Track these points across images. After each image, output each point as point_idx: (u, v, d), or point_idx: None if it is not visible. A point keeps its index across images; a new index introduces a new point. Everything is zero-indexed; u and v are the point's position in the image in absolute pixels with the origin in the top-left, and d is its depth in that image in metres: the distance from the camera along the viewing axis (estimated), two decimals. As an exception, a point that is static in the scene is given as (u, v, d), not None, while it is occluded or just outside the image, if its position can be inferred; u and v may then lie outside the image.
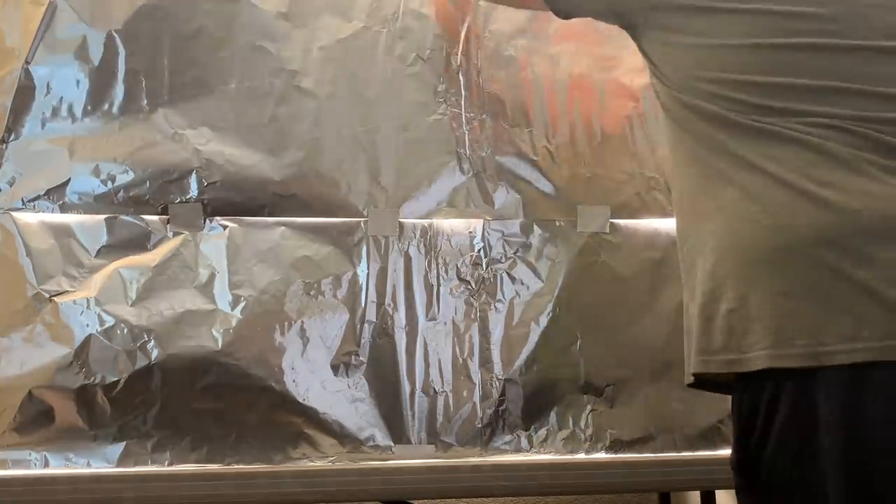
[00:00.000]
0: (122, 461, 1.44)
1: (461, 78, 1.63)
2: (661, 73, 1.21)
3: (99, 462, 1.44)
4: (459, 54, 1.63)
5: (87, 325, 1.46)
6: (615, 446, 1.57)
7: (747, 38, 1.12)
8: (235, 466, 1.47)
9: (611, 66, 1.69)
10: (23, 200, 1.48)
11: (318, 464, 1.49)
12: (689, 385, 1.23)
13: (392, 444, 1.52)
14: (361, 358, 1.53)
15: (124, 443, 1.45)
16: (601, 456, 1.57)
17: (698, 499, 1.94)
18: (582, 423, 1.57)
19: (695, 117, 1.16)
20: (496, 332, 1.58)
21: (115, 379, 1.45)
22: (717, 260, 1.12)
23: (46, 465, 1.43)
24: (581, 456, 1.56)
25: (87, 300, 1.46)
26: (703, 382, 1.22)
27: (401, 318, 1.56)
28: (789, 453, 1.07)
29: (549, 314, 1.59)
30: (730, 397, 1.55)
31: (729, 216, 1.11)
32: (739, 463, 1.13)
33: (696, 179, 1.17)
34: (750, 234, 1.09)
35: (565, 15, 1.39)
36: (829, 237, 1.05)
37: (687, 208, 1.21)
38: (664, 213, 1.65)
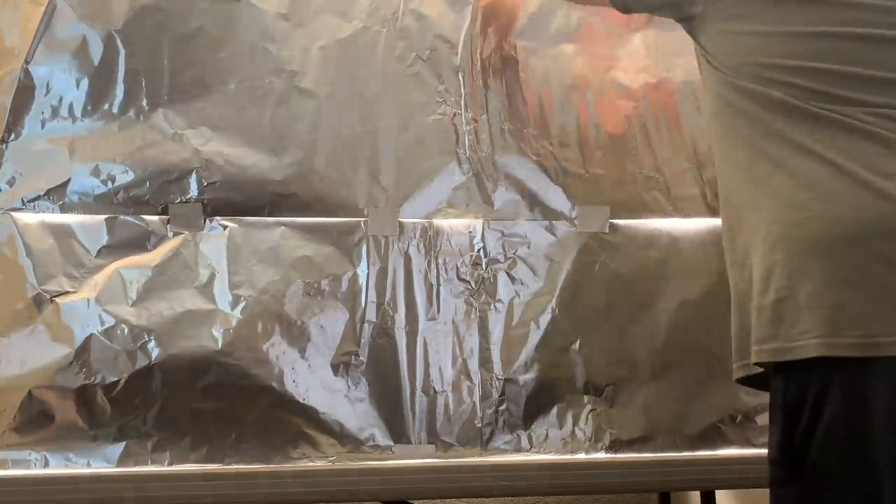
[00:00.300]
0: (122, 461, 1.44)
1: (461, 78, 1.63)
2: (717, 59, 1.19)
3: (99, 462, 1.44)
4: (459, 55, 1.63)
5: (88, 326, 1.46)
6: (615, 446, 1.57)
7: (814, 26, 1.12)
8: (235, 466, 1.46)
9: (610, 67, 1.69)
10: (23, 200, 1.48)
11: (318, 464, 1.49)
12: (738, 380, 1.22)
13: (392, 444, 1.52)
14: (361, 358, 1.53)
15: (124, 443, 1.45)
16: (601, 456, 1.57)
17: (698, 499, 1.93)
18: (582, 423, 1.57)
19: (751, 103, 1.14)
20: (496, 332, 1.58)
21: (116, 379, 1.45)
22: (768, 249, 1.11)
23: (46, 465, 1.43)
24: (581, 456, 1.57)
25: (88, 300, 1.46)
26: (747, 377, 1.20)
27: (401, 318, 1.56)
28: (839, 444, 1.05)
29: (548, 314, 1.59)
30: (731, 395, 1.61)
31: (781, 204, 1.10)
32: (783, 455, 1.10)
33: (748, 168, 1.16)
34: (803, 222, 1.08)
35: (625, 9, 1.40)
36: (889, 228, 1.05)
37: (737, 199, 1.19)
38: (664, 214, 1.66)
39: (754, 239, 1.14)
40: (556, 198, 1.62)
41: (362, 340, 1.54)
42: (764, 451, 1.50)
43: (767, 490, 2.07)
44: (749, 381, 1.22)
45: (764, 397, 1.57)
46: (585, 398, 1.59)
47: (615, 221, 1.63)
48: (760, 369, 1.16)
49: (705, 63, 1.23)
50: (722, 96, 1.20)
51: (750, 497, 2.11)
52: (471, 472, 1.52)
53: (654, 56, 1.69)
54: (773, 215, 1.11)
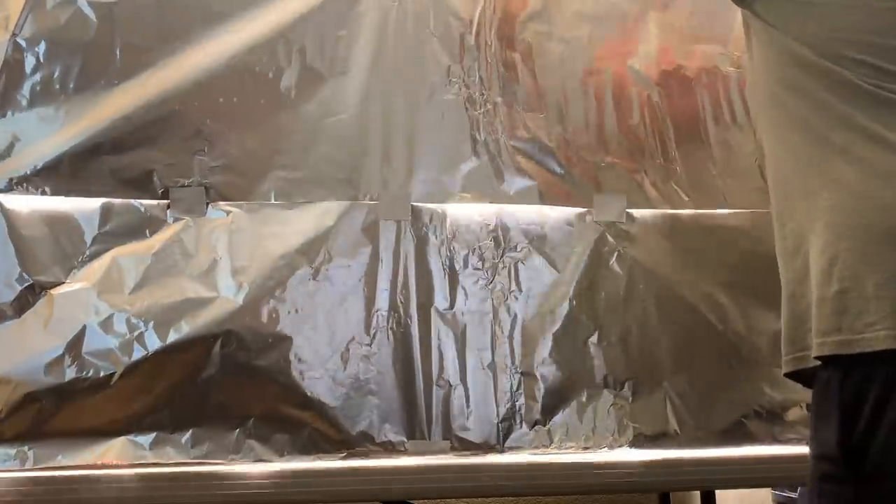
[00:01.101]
0: (119, 458, 1.34)
1: (475, 59, 1.57)
2: (781, 31, 1.12)
3: (93, 460, 1.34)
4: (473, 34, 1.56)
5: (81, 316, 1.36)
6: (638, 441, 1.50)
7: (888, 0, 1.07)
8: (239, 464, 1.37)
9: (626, 52, 1.63)
10: (11, 181, 1.39)
11: (328, 461, 1.40)
12: (787, 374, 1.15)
13: (405, 440, 1.43)
14: (373, 349, 1.45)
15: (120, 440, 1.35)
16: (601, 456, 1.49)
17: (698, 499, 1.88)
18: (604, 418, 1.50)
19: (816, 82, 1.08)
20: (513, 324, 1.50)
21: (111, 372, 1.36)
22: (831, 238, 1.05)
23: (36, 463, 1.32)
24: (580, 456, 1.49)
25: (82, 289, 1.37)
26: (795, 373, 1.13)
27: (413, 307, 1.48)
28: None
29: (566, 305, 1.52)
30: (756, 390, 1.55)
31: (845, 192, 1.05)
32: (841, 452, 1.03)
33: (804, 154, 1.10)
34: (870, 211, 1.02)
35: None
36: None
37: (790, 187, 1.13)
38: (681, 203, 1.60)
39: (811, 227, 1.08)
40: (571, 185, 1.56)
41: (373, 330, 1.46)
42: (769, 450, 1.50)
43: (768, 490, 2.04)
44: (797, 376, 1.15)
45: (792, 392, 1.55)
46: (606, 392, 1.52)
47: (632, 211, 1.57)
48: (818, 363, 1.09)
49: (762, 36, 1.17)
50: (778, 76, 1.13)
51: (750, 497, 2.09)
52: (466, 472, 1.43)
53: (670, 42, 1.63)
54: (835, 203, 1.05)
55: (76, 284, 1.37)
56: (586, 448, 1.48)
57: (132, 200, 1.42)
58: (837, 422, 1.03)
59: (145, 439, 1.35)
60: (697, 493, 1.90)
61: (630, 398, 1.52)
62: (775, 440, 1.55)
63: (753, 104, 1.28)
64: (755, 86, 1.23)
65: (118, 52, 1.44)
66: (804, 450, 1.46)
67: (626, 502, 2.16)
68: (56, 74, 1.42)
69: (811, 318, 1.07)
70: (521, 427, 1.47)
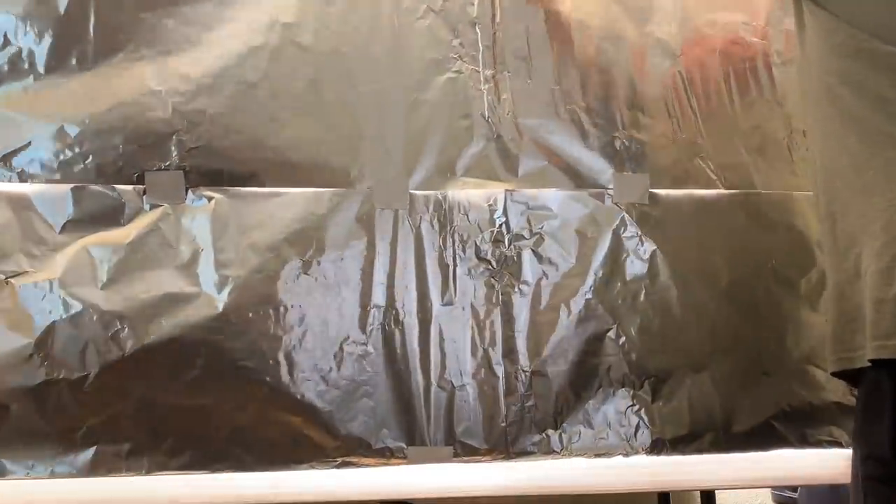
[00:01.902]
0: (91, 469, 1.24)
1: (478, 31, 1.44)
2: (847, 18, 1.06)
3: (65, 470, 1.24)
4: (476, 5, 1.44)
5: (50, 312, 1.26)
6: (657, 447, 1.38)
7: None
8: (224, 474, 1.26)
9: (645, 19, 1.51)
10: (-26, 166, 1.29)
11: (321, 470, 1.29)
12: (834, 373, 1.12)
13: (405, 446, 1.32)
14: (368, 348, 1.34)
15: (94, 448, 1.25)
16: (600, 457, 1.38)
17: (698, 499, 1.78)
18: (620, 421, 1.38)
19: (876, 77, 1.02)
20: (521, 319, 1.38)
21: (83, 374, 1.26)
22: (890, 239, 1.00)
23: (3, 474, 1.22)
24: (618, 458, 1.38)
25: (50, 282, 1.27)
26: (843, 372, 1.10)
27: (412, 302, 1.36)
28: None
29: (581, 297, 1.40)
30: (785, 389, 1.43)
31: None
32: (894, 453, 1.01)
33: (862, 151, 1.05)
34: None
35: None
36: None
37: (845, 184, 1.08)
38: (709, 183, 1.47)
39: (865, 228, 1.04)
40: (588, 165, 1.44)
41: (369, 328, 1.34)
42: (769, 450, 1.38)
43: (768, 490, 1.94)
44: (841, 374, 1.07)
45: (824, 391, 1.43)
46: (623, 392, 1.39)
47: (655, 191, 1.44)
48: (867, 364, 1.03)
49: (818, 23, 1.07)
50: (834, 67, 1.04)
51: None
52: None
53: (692, 12, 1.51)
54: None
55: (41, 275, 1.26)
56: (599, 455, 1.36)
57: (105, 186, 1.30)
58: (891, 423, 1.02)
59: (122, 448, 1.24)
60: (697, 493, 1.81)
61: (650, 399, 1.40)
62: (806, 442, 1.43)
63: (804, 95, 1.19)
64: (807, 76, 1.17)
65: (91, 30, 1.33)
66: (808, 451, 1.40)
67: (627, 502, 2.08)
68: (24, 54, 1.31)
69: (862, 319, 1.03)
70: (530, 431, 1.36)
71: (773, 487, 1.86)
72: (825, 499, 1.69)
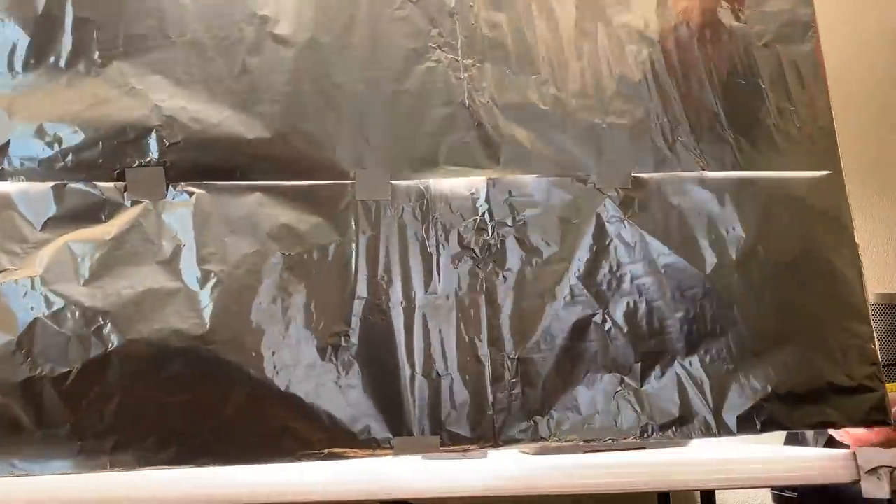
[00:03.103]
0: (76, 466, 1.23)
1: (456, 21, 1.44)
2: None
3: (48, 467, 1.23)
4: (453, -5, 1.44)
5: (32, 309, 1.25)
6: (647, 431, 1.37)
7: None
8: (210, 468, 1.26)
9: (621, 9, 1.51)
10: (-47, 166, 1.29)
11: (306, 462, 1.28)
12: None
13: (391, 437, 1.31)
14: (353, 339, 1.33)
15: (79, 444, 1.24)
16: (600, 456, 1.37)
17: (698, 499, 1.77)
18: (608, 406, 1.37)
19: None
20: (506, 306, 1.38)
21: (66, 370, 1.25)
22: None
23: (-11, 473, 1.22)
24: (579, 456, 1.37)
25: (32, 280, 1.26)
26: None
27: (396, 292, 1.35)
28: None
29: (566, 283, 1.39)
30: (782, 370, 1.41)
31: None
32: None
33: None
34: None
35: None
36: None
37: None
38: (691, 166, 1.46)
39: None
40: (570, 150, 1.43)
41: (353, 319, 1.34)
42: (769, 450, 1.37)
43: (768, 490, 1.93)
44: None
45: (821, 371, 1.41)
46: (610, 377, 1.39)
47: (638, 176, 1.44)
48: None
49: None
50: None
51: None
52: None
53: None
54: None
55: (22, 272, 1.26)
56: (588, 440, 1.35)
57: (85, 183, 1.30)
58: None
59: (105, 444, 1.24)
60: (697, 493, 1.81)
61: (638, 383, 1.39)
62: (798, 424, 1.41)
63: None
64: None
65: (72, 28, 1.33)
66: (805, 451, 1.39)
67: (627, 502, 2.07)
68: (2, 52, 1.32)
69: None
70: (517, 418, 1.35)
71: (773, 487, 1.84)
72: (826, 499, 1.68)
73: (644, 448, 1.39)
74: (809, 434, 1.66)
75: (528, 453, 1.38)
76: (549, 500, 1.36)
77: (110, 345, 1.26)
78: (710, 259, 1.44)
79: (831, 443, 1.50)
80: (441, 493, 1.27)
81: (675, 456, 1.35)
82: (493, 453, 1.31)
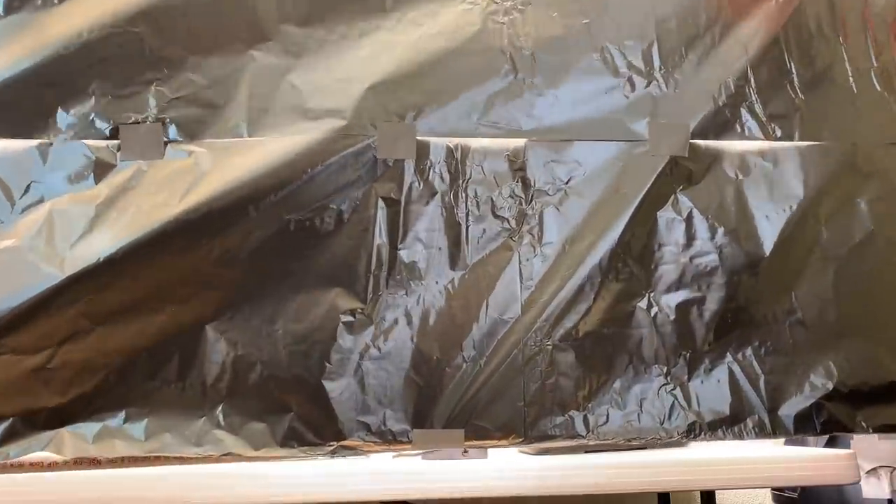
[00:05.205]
0: (57, 451, 1.11)
1: (496, -44, 1.26)
2: None
3: (29, 452, 1.11)
4: (494, -76, 1.26)
5: (13, 279, 1.12)
6: (693, 430, 1.23)
7: None
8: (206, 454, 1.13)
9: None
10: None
11: (312, 455, 1.15)
12: None
13: (409, 429, 1.18)
14: (368, 318, 1.19)
15: (59, 431, 1.11)
16: (599, 456, 1.25)
17: (698, 499, 1.67)
18: (652, 402, 1.23)
19: None
20: (541, 285, 1.23)
21: (48, 348, 1.11)
22: None
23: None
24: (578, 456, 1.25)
25: (12, 247, 1.12)
26: None
27: (420, 265, 1.21)
28: None
29: (610, 260, 1.24)
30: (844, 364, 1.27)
31: None
32: None
33: None
34: None
35: None
36: None
37: None
38: (755, 133, 1.29)
39: None
40: (621, 111, 1.26)
41: (369, 294, 1.19)
42: (769, 450, 1.27)
43: (768, 490, 1.84)
44: None
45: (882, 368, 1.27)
46: (656, 369, 1.24)
47: (696, 142, 1.27)
48: None
49: None
50: None
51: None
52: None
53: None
54: None
55: (5, 242, 1.12)
56: (630, 440, 1.21)
57: (75, 141, 1.15)
58: None
59: (89, 429, 1.11)
60: (697, 494, 1.74)
61: (685, 377, 1.24)
62: (859, 425, 1.27)
63: None
64: None
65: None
66: (805, 451, 1.27)
67: (627, 502, 2.01)
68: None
69: None
70: (551, 412, 1.21)
71: (773, 487, 1.76)
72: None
73: (644, 448, 1.26)
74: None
75: (528, 453, 1.26)
76: (547, 500, 1.24)
77: (97, 318, 1.13)
78: (769, 239, 1.28)
79: (831, 443, 1.41)
80: (441, 494, 1.15)
81: (675, 456, 1.25)
82: (493, 453, 1.19)
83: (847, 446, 1.34)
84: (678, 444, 1.34)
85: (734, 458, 1.24)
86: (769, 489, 1.84)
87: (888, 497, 1.31)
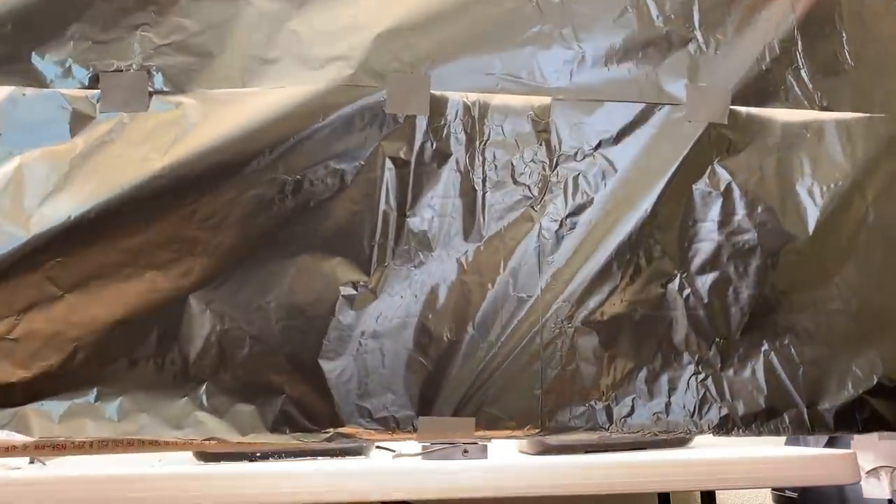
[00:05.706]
0: (10, 426, 0.99)
1: None
2: None
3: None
4: None
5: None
6: (726, 424, 1.12)
7: None
8: (189, 440, 1.02)
9: None
10: None
11: (306, 443, 1.04)
12: None
13: (414, 416, 1.06)
14: (371, 292, 1.07)
15: (23, 409, 1.00)
16: (598, 456, 1.16)
17: (698, 499, 1.61)
18: (681, 392, 1.12)
19: None
20: (564, 261, 1.11)
21: (13, 316, 1.00)
22: None
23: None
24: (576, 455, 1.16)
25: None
26: None
27: (430, 235, 1.09)
28: None
29: (640, 236, 1.13)
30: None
31: None
32: None
33: None
34: None
35: None
36: None
37: None
38: (800, 103, 1.18)
39: None
40: (655, 72, 1.14)
41: (373, 265, 1.08)
42: (769, 450, 1.18)
43: (768, 490, 1.78)
44: None
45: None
46: (686, 357, 1.13)
47: (736, 109, 1.15)
48: None
49: None
50: None
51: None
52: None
53: None
54: None
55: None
56: (657, 434, 1.10)
57: (49, 90, 1.04)
58: None
59: (55, 407, 0.99)
60: (697, 493, 1.66)
61: (717, 366, 1.13)
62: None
63: None
64: None
65: None
66: (805, 451, 1.18)
67: (627, 502, 1.93)
68: None
69: None
70: (571, 401, 1.10)
71: (773, 487, 1.70)
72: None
73: (644, 448, 1.16)
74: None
75: (528, 453, 1.16)
76: (545, 500, 1.14)
77: (67, 287, 1.01)
78: (812, 218, 1.17)
79: (831, 443, 1.34)
80: (441, 494, 1.04)
81: (675, 456, 1.19)
82: (493, 453, 1.08)
83: (847, 446, 1.29)
84: (679, 443, 1.25)
85: (734, 458, 1.17)
86: (769, 489, 1.79)
87: (888, 497, 1.27)
